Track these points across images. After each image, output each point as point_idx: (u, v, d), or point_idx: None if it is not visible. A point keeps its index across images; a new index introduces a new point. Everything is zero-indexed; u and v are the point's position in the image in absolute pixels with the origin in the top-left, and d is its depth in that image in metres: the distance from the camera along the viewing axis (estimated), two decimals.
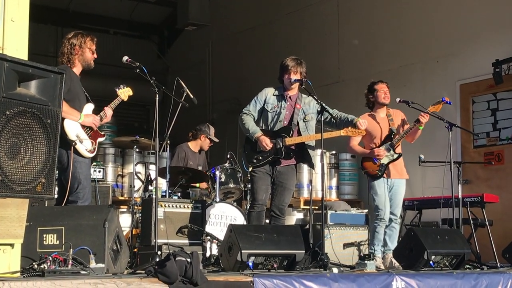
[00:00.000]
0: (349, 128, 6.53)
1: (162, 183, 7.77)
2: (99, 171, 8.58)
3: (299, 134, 6.60)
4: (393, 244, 6.93)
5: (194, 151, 8.88)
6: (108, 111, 6.13)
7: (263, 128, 6.62)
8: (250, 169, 6.59)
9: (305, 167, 9.45)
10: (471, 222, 7.76)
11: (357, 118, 6.62)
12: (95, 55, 6.08)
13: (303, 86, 6.48)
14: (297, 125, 6.60)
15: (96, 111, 6.07)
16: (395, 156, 7.01)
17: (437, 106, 7.13)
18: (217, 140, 8.96)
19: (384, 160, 6.96)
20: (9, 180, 3.98)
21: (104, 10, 14.85)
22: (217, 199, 7.39)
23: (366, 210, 8.79)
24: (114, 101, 6.21)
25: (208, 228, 6.88)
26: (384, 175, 6.97)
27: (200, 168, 8.71)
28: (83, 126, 5.87)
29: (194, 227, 6.47)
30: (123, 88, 6.29)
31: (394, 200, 7.01)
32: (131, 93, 6.32)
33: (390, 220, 6.97)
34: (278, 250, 5.45)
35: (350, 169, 10.24)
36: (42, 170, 4.16)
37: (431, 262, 6.11)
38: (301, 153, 6.67)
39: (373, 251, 6.94)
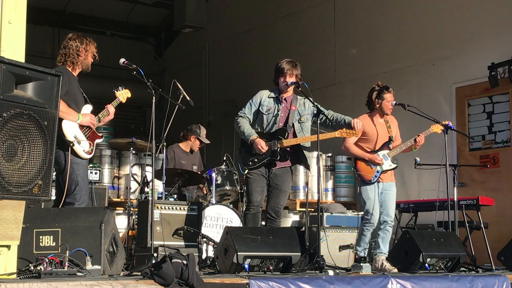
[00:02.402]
0: (344, 129, 6.54)
1: (158, 185, 7.78)
2: (96, 173, 8.60)
3: (295, 135, 6.61)
4: (385, 247, 6.91)
5: (186, 151, 8.83)
6: (111, 109, 6.17)
7: (259, 130, 6.64)
8: (246, 171, 6.60)
9: (301, 170, 9.46)
10: (467, 224, 7.78)
11: (352, 120, 6.63)
12: (93, 60, 6.13)
13: (300, 88, 6.49)
14: (292, 126, 6.62)
15: (94, 113, 6.09)
16: (393, 166, 7.01)
17: (438, 126, 7.13)
18: (207, 142, 8.86)
19: (381, 168, 6.94)
20: (5, 182, 4.00)
21: (101, 11, 14.84)
22: (213, 201, 7.39)
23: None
24: (112, 102, 6.24)
25: (204, 230, 6.89)
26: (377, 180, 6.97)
27: (195, 167, 8.68)
28: (81, 127, 5.88)
29: (190, 229, 6.47)
30: (122, 90, 6.32)
31: (388, 202, 6.96)
32: (129, 95, 6.35)
33: (385, 222, 6.94)
34: (274, 252, 5.47)
35: (346, 172, 10.25)
36: (39, 172, 4.18)
37: (426, 264, 6.13)
38: (297, 155, 6.69)
39: (360, 253, 6.92)
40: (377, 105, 7.01)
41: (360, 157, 6.95)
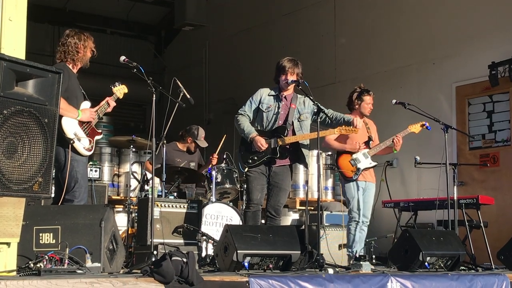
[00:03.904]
0: (343, 126, 6.58)
1: (158, 183, 7.77)
2: (96, 171, 8.59)
3: (294, 133, 6.62)
4: (361, 246, 7.13)
5: (182, 150, 8.77)
6: (112, 102, 6.16)
7: (258, 128, 6.64)
8: (246, 169, 6.60)
9: (301, 168, 9.46)
10: (466, 223, 7.78)
11: (353, 117, 6.69)
12: (92, 55, 6.12)
13: (300, 87, 6.50)
14: (292, 124, 6.62)
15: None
16: (373, 164, 7.23)
17: (416, 126, 7.32)
18: (203, 145, 8.71)
19: (362, 165, 7.12)
20: (6, 179, 3.99)
21: (101, 9, 14.84)
22: (213, 199, 7.39)
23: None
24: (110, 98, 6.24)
25: (204, 228, 6.90)
26: (359, 178, 7.13)
27: (192, 164, 8.63)
28: (80, 124, 5.88)
29: (190, 227, 6.48)
30: (119, 85, 6.31)
31: (366, 203, 7.22)
32: (126, 90, 6.33)
33: (362, 222, 7.19)
34: (273, 250, 5.46)
35: None
36: (39, 169, 4.17)
37: (426, 263, 6.12)
38: (296, 153, 6.68)
39: (350, 253, 7.03)
40: (357, 106, 7.30)
41: (341, 152, 7.20)
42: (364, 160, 7.14)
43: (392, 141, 7.21)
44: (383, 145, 7.27)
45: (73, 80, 5.95)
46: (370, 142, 7.27)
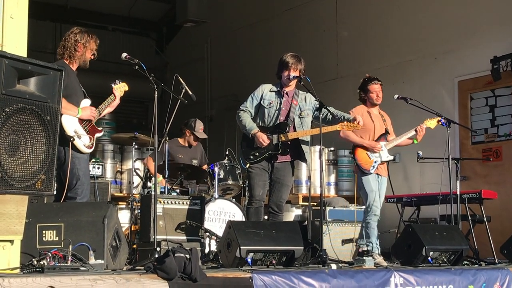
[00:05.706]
0: (345, 122, 6.54)
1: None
2: (98, 168, 8.60)
3: (294, 130, 6.62)
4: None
5: (184, 145, 8.75)
6: (117, 93, 6.14)
7: (260, 124, 6.64)
8: (248, 165, 6.60)
9: (303, 164, 9.45)
10: (469, 218, 7.77)
11: (354, 115, 6.66)
12: (93, 57, 6.09)
13: (302, 83, 6.49)
14: (293, 121, 6.62)
15: (93, 106, 6.08)
16: (390, 158, 7.06)
17: (433, 122, 7.21)
18: (202, 137, 8.66)
19: (379, 159, 7.00)
20: (8, 176, 3.99)
21: (103, 6, 14.85)
22: (216, 196, 7.40)
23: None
24: (110, 96, 6.21)
25: (207, 225, 6.89)
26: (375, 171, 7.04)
27: (194, 161, 8.62)
28: (81, 121, 5.87)
29: (193, 223, 6.48)
30: (119, 83, 6.30)
31: (379, 197, 7.06)
32: (127, 88, 6.31)
33: None
34: (276, 246, 5.47)
35: (348, 166, 10.24)
36: (42, 166, 4.17)
37: (429, 258, 6.13)
38: (297, 150, 6.68)
39: (371, 248, 6.93)
40: (364, 97, 7.13)
41: (359, 145, 7.00)
42: (381, 153, 7.05)
43: (415, 131, 7.13)
44: (403, 137, 7.10)
45: (72, 78, 5.93)
46: (387, 135, 7.13)
